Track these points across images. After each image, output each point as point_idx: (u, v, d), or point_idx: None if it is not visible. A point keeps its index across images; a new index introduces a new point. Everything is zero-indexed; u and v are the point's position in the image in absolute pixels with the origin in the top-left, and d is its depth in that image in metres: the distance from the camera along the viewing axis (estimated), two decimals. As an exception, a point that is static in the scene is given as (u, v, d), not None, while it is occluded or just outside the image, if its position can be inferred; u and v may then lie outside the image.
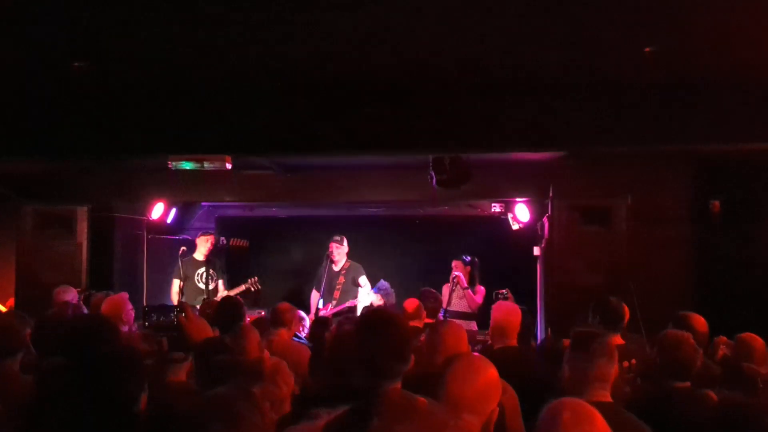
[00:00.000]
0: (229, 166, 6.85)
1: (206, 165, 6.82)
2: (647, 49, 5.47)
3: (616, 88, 6.70)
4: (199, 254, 9.80)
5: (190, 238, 10.54)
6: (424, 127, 6.98)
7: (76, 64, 5.76)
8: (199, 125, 6.92)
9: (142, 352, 4.02)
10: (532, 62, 6.11)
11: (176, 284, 9.59)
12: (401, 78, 6.44)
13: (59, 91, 6.73)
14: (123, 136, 7.01)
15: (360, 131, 6.90)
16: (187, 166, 6.84)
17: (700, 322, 5.47)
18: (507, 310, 5.69)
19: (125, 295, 6.75)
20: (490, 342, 5.89)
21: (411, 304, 7.38)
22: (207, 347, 4.37)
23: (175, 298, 9.44)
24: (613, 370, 3.76)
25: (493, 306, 5.95)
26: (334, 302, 9.70)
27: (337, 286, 9.81)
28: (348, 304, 9.59)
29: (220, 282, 9.84)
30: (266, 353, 4.41)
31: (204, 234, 9.97)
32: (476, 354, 3.28)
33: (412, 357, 3.19)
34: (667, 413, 4.04)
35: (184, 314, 4.61)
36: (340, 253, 9.85)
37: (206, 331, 4.72)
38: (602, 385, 3.70)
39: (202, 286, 9.66)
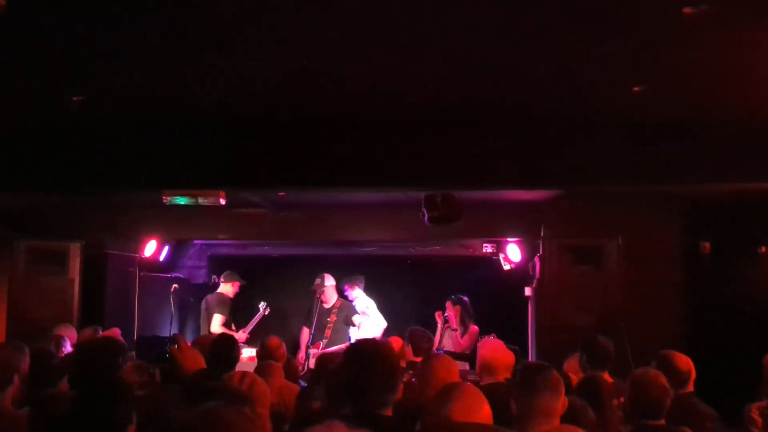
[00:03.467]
0: (222, 201, 6.88)
1: (201, 200, 6.85)
2: (636, 89, 5.55)
3: (608, 127, 6.79)
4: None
5: (182, 276, 10.53)
6: (417, 163, 7.04)
7: (75, 98, 5.81)
8: (194, 160, 6.98)
9: (131, 383, 4.01)
10: (526, 100, 6.20)
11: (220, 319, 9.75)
12: (395, 113, 6.51)
13: (54, 124, 6.78)
14: (118, 171, 7.05)
15: (352, 167, 6.96)
16: (182, 201, 6.87)
17: (682, 360, 5.46)
18: (493, 347, 5.71)
19: (117, 330, 6.75)
20: (477, 379, 5.89)
21: (396, 342, 7.35)
22: (197, 378, 4.36)
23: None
24: (559, 404, 3.68)
25: (479, 344, 6.00)
26: (325, 341, 9.64)
27: (329, 324, 9.70)
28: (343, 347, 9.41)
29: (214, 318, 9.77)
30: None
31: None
32: (469, 387, 3.20)
33: (401, 388, 3.22)
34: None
35: (176, 345, 4.59)
36: (325, 292, 9.79)
37: (199, 361, 4.70)
38: (547, 419, 3.63)
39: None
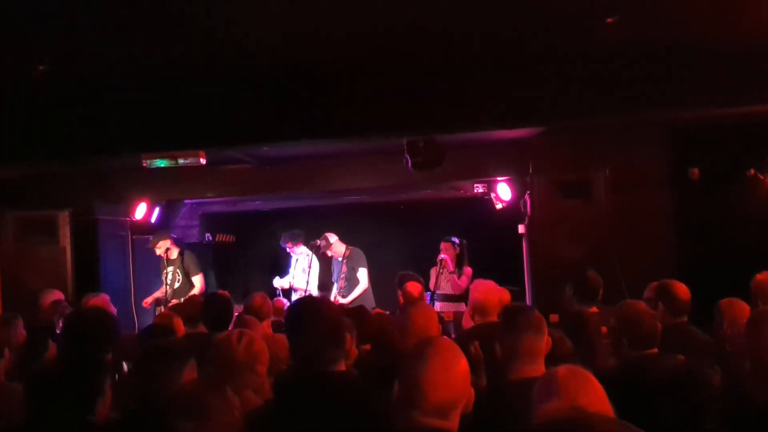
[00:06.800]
0: (203, 161, 6.84)
1: (180, 161, 6.81)
2: (609, 20, 5.47)
3: (586, 60, 6.71)
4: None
5: (175, 236, 10.51)
6: (399, 110, 6.97)
7: (40, 67, 5.72)
8: (172, 121, 6.91)
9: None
10: (501, 38, 6.10)
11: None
12: (373, 62, 6.42)
13: (25, 95, 6.69)
14: (95, 138, 6.98)
15: (329, 117, 6.89)
16: (162, 163, 6.83)
17: (681, 289, 5.41)
18: (485, 288, 5.69)
19: (106, 297, 6.75)
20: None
21: (415, 288, 7.20)
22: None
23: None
24: (543, 343, 3.67)
25: (471, 285, 5.98)
26: (341, 290, 9.76)
27: (342, 275, 9.87)
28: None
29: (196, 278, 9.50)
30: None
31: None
32: (444, 342, 3.05)
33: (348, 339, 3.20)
34: (636, 380, 4.01)
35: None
36: (333, 249, 9.94)
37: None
38: (532, 359, 3.62)
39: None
